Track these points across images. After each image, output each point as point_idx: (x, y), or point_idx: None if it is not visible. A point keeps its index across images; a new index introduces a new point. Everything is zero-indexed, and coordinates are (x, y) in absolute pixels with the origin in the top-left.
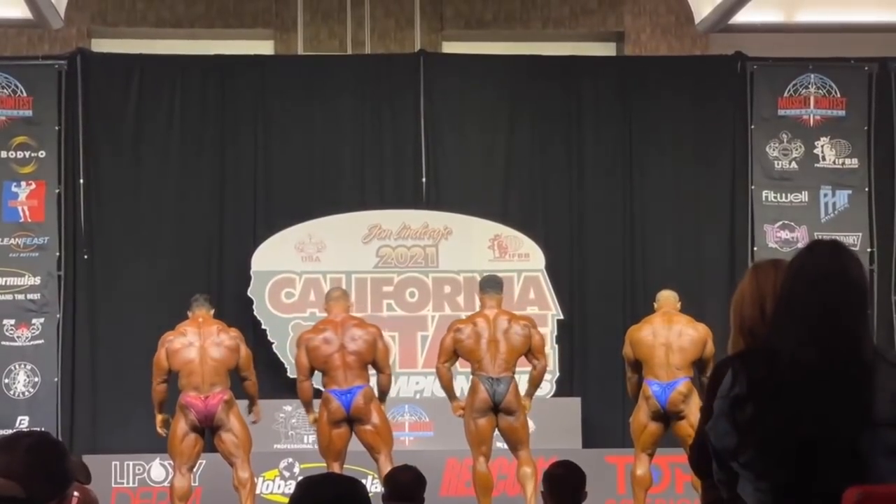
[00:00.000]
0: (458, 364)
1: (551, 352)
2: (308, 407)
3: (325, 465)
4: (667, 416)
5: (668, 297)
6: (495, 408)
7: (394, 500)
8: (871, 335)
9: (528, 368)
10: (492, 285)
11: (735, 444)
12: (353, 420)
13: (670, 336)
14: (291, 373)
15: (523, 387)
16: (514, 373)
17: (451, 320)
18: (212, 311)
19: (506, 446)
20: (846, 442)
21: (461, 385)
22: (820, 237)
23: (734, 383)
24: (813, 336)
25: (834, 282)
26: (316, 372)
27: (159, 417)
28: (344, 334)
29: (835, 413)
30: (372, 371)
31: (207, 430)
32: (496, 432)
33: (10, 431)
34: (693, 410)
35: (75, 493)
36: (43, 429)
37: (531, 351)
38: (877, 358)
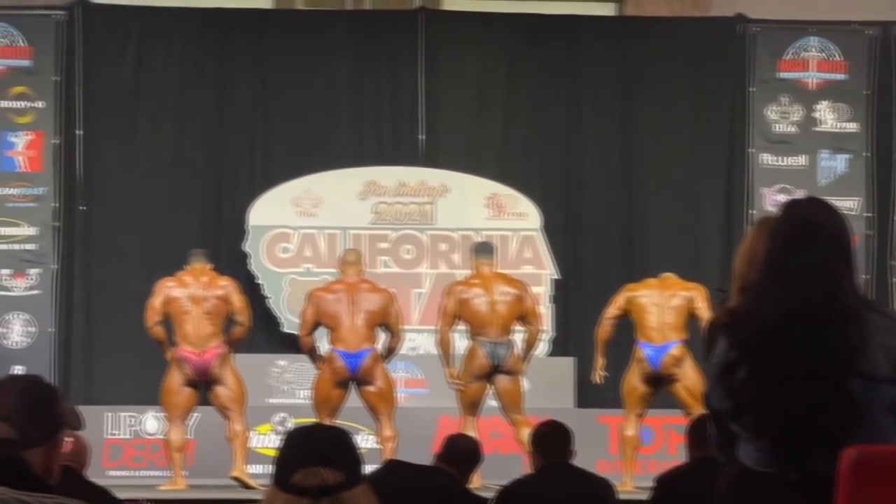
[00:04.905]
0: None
1: (547, 311)
2: (313, 356)
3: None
4: (659, 379)
5: (669, 275)
6: (494, 371)
7: (445, 462)
8: (854, 285)
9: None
10: (486, 250)
11: (732, 407)
12: (358, 381)
13: (663, 297)
14: (287, 328)
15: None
16: (511, 335)
17: (447, 279)
18: (209, 267)
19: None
20: (839, 392)
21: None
22: None
23: (728, 349)
24: (793, 291)
25: (811, 236)
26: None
27: (169, 353)
28: (356, 296)
29: (822, 363)
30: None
31: (202, 385)
32: (490, 394)
33: None
34: (687, 373)
35: (69, 439)
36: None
37: (524, 315)
38: (861, 306)
